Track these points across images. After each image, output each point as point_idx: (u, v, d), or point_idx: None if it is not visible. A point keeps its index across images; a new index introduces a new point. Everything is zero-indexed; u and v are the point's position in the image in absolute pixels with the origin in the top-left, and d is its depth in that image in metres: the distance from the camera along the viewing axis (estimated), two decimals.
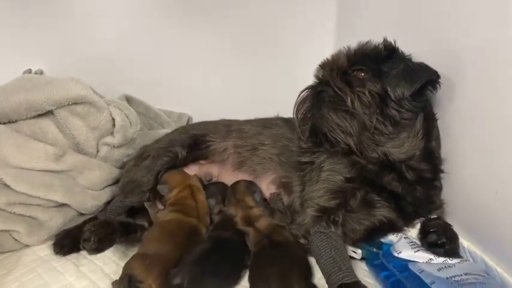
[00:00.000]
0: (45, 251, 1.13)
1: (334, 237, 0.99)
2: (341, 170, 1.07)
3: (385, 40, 1.08)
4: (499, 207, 0.92)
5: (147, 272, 0.89)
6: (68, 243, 1.13)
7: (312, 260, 1.03)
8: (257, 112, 1.40)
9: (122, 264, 0.95)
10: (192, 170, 1.33)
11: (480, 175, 0.98)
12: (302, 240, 1.05)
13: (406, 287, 0.89)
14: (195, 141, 1.32)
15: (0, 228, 1.09)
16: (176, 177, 1.24)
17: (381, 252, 1.05)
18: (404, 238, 1.05)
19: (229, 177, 1.30)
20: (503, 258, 0.93)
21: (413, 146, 1.05)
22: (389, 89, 1.00)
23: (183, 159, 1.30)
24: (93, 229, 1.06)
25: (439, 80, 1.03)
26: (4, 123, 1.21)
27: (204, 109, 1.78)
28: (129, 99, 1.66)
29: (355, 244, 1.07)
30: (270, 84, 1.83)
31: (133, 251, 1.05)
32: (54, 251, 1.12)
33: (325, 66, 1.10)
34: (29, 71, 1.59)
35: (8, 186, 1.12)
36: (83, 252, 1.10)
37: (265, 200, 1.23)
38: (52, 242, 1.14)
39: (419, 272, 0.91)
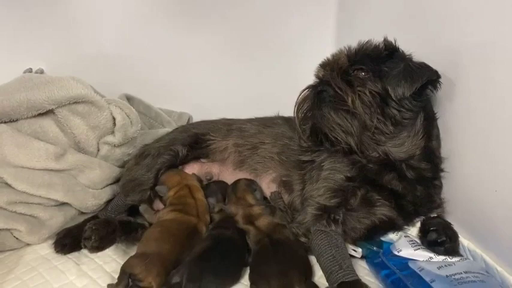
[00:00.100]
0: (46, 249, 1.14)
1: (335, 236, 1.00)
2: (341, 168, 1.07)
3: (385, 40, 1.08)
4: (499, 206, 0.93)
5: (147, 271, 0.89)
6: (68, 242, 1.13)
7: (313, 259, 1.03)
8: (257, 111, 1.41)
9: (123, 262, 0.95)
10: (192, 168, 1.33)
11: (480, 174, 0.99)
12: (302, 239, 1.05)
13: (406, 285, 0.90)
14: (195, 140, 1.33)
15: (1, 227, 1.09)
16: (173, 178, 1.24)
17: (381, 250, 1.05)
18: (405, 237, 1.05)
19: (229, 176, 1.31)
20: (503, 256, 0.93)
21: (414, 145, 1.05)
22: (389, 89, 1.00)
23: (184, 157, 1.30)
24: (94, 228, 1.07)
25: (440, 80, 1.03)
26: (5, 122, 1.21)
27: (204, 108, 1.78)
28: (129, 99, 1.66)
29: (355, 243, 1.08)
30: (270, 84, 1.83)
31: (133, 250, 1.06)
32: (55, 249, 1.12)
33: (325, 65, 1.10)
34: (30, 71, 1.59)
35: (9, 185, 1.13)
36: (84, 251, 1.11)
37: (265, 198, 1.23)
38: (53, 240, 1.15)
39: (420, 270, 0.92)
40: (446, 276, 0.88)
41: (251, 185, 1.22)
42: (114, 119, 1.30)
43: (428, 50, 1.11)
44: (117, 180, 1.33)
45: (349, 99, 0.99)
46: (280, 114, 1.38)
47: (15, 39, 1.67)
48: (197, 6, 1.78)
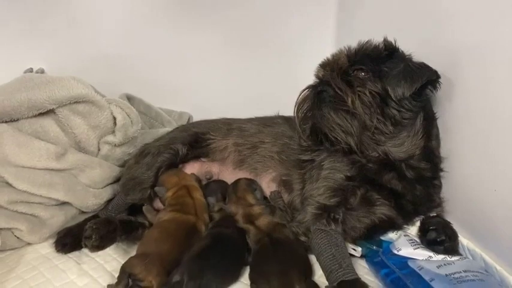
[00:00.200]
0: (46, 248, 1.14)
1: (335, 235, 1.00)
2: (341, 168, 1.08)
3: (385, 40, 1.08)
4: (499, 206, 0.93)
5: (147, 271, 0.90)
6: (69, 241, 1.13)
7: (313, 258, 1.03)
8: (257, 111, 1.41)
9: (123, 262, 0.95)
10: (192, 167, 1.33)
11: (479, 174, 0.99)
12: (302, 238, 1.06)
13: (406, 284, 0.90)
14: (195, 139, 1.33)
15: (2, 226, 1.10)
16: (171, 179, 1.24)
17: (380, 249, 1.06)
18: (404, 236, 1.06)
19: (229, 175, 1.31)
20: (502, 255, 0.94)
21: (414, 145, 1.06)
22: (389, 89, 1.00)
23: (184, 156, 1.30)
24: (94, 227, 1.07)
25: (439, 80, 1.03)
26: (6, 122, 1.21)
27: (204, 108, 1.78)
28: (130, 98, 1.66)
29: (355, 242, 1.08)
30: (270, 83, 1.83)
31: (134, 249, 1.06)
32: (56, 248, 1.13)
33: (325, 65, 1.10)
34: (30, 70, 1.59)
35: (10, 185, 1.13)
36: (85, 250, 1.11)
37: (265, 198, 1.23)
38: (53, 240, 1.15)
39: (419, 269, 0.92)
40: (446, 275, 0.88)
41: (251, 185, 1.22)
42: (114, 118, 1.30)
43: (428, 50, 1.11)
44: (117, 180, 1.34)
45: (349, 99, 0.99)
46: (280, 114, 1.38)
47: (15, 39, 1.67)
48: (197, 6, 1.78)
